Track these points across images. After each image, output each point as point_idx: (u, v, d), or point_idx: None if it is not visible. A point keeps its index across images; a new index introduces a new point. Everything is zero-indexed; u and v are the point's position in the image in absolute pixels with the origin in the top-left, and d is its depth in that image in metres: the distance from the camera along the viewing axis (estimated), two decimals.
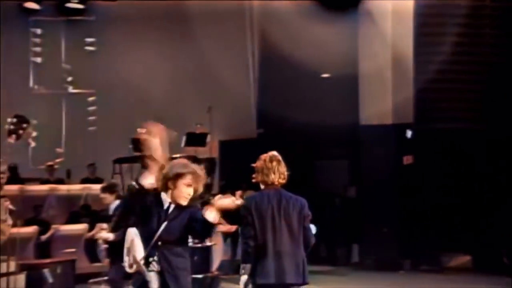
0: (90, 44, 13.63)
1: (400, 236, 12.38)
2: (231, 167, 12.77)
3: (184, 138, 12.17)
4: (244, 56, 14.50)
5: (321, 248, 12.77)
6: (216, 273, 9.75)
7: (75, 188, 11.15)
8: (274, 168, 4.44)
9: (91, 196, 10.64)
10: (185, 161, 4.18)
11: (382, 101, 12.93)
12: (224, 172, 13.26)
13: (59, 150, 13.10)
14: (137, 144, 12.74)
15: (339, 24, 13.01)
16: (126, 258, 4.01)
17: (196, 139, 12.24)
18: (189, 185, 4.00)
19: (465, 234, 12.02)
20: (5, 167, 3.23)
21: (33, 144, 13.16)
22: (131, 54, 13.83)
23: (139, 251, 3.93)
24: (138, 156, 12.56)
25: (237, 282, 7.22)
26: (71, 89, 13.46)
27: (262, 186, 4.49)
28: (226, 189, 11.09)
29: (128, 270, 4.04)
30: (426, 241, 11.98)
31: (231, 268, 10.31)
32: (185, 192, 3.99)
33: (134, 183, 4.15)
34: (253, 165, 4.62)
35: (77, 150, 12.94)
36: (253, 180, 4.64)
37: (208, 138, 12.38)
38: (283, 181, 4.50)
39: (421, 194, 12.30)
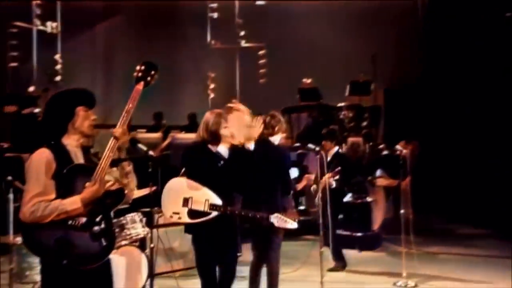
0: None
1: None
2: (396, 115, 12.59)
3: (348, 87, 12.33)
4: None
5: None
6: (377, 231, 9.24)
7: None
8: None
9: None
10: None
11: None
12: (388, 120, 13.12)
13: (234, 101, 13.94)
14: (304, 94, 13.05)
15: None
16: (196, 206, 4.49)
17: (360, 88, 12.30)
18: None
19: None
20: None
21: (212, 95, 14.24)
22: (299, 7, 14.12)
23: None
24: (306, 106, 12.93)
25: (400, 243, 6.75)
26: (243, 43, 14.16)
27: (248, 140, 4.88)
28: (390, 138, 10.91)
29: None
30: None
31: (394, 227, 9.21)
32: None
33: None
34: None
35: (249, 101, 13.61)
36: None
37: (372, 87, 12.34)
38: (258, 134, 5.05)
39: None
